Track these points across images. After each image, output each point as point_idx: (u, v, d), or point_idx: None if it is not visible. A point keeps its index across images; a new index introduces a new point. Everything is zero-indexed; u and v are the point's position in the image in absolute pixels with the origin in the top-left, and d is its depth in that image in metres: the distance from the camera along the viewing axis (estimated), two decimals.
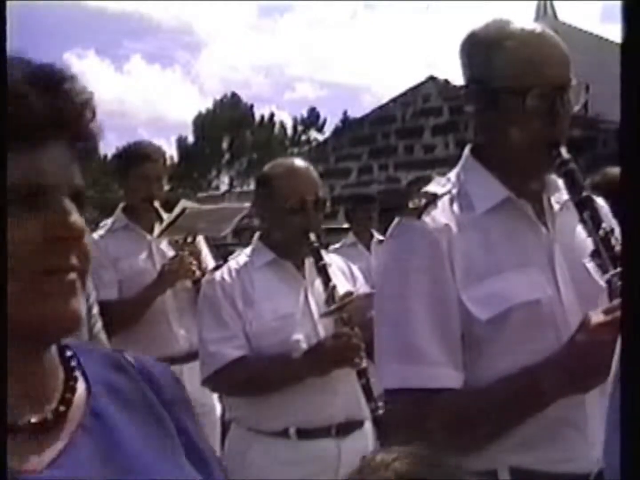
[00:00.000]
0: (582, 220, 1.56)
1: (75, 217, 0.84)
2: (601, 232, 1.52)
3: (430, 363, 1.57)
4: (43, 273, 0.82)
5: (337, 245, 5.67)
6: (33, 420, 0.85)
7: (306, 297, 2.68)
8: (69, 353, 0.95)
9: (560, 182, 1.68)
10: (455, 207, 1.65)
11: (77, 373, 0.93)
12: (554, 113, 1.59)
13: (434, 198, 1.65)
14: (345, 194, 10.02)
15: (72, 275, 0.85)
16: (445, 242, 1.58)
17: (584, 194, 1.57)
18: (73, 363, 0.94)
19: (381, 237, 5.55)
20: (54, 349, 0.92)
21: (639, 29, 0.78)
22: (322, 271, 2.68)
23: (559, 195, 1.71)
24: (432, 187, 1.71)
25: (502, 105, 1.62)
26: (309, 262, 2.69)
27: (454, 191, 1.68)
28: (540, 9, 18.60)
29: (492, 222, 1.64)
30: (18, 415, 0.83)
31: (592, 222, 1.53)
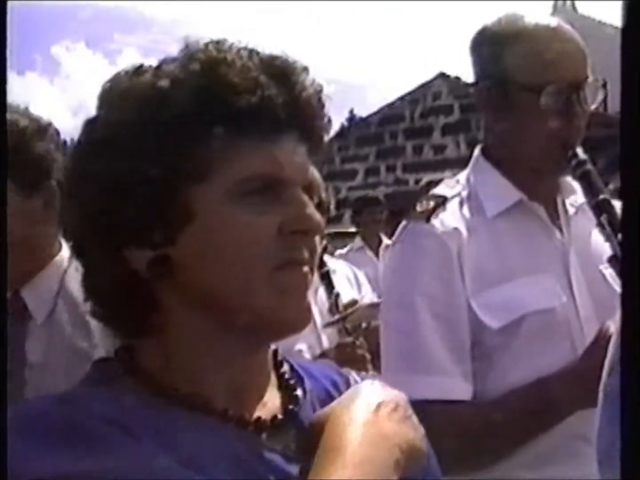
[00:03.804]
0: (600, 224, 1.55)
1: (313, 211, 0.87)
2: (619, 236, 1.52)
3: (439, 373, 1.57)
4: (279, 266, 0.85)
5: (343, 250, 5.68)
6: (263, 416, 0.89)
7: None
8: (285, 364, 0.98)
9: (576, 185, 1.69)
10: (465, 210, 1.66)
11: (294, 381, 0.97)
12: (570, 111, 1.60)
13: (442, 201, 1.66)
14: (351, 197, 10.00)
15: (306, 269, 0.88)
16: (455, 246, 1.59)
17: (601, 196, 1.56)
18: (285, 368, 0.97)
19: (390, 242, 5.57)
20: (270, 353, 0.96)
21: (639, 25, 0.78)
22: (326, 278, 2.69)
23: (574, 198, 1.72)
24: (440, 190, 1.72)
25: (515, 104, 1.63)
26: None
27: (464, 193, 1.69)
28: (558, 1, 18.60)
29: (504, 225, 1.65)
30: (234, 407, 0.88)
31: (610, 226, 1.53)
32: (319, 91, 0.91)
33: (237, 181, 0.84)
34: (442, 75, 12.56)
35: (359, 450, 0.81)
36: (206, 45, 0.88)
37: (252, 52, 0.88)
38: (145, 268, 0.86)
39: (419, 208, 1.66)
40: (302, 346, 2.57)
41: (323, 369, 1.05)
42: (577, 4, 18.75)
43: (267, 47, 0.90)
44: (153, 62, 0.90)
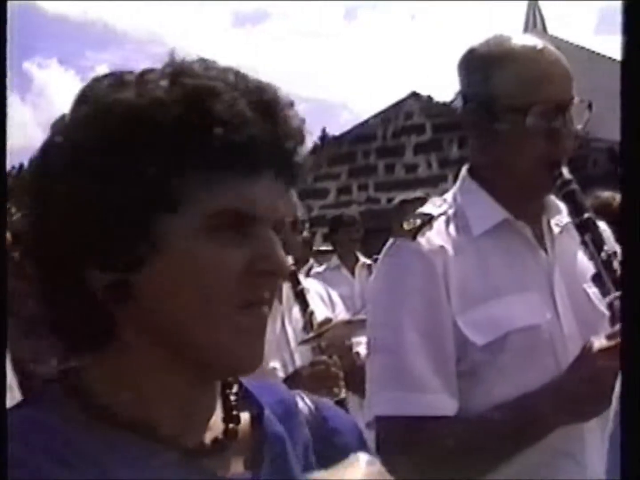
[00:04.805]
0: (584, 243, 1.59)
1: (281, 252, 0.87)
2: (603, 255, 1.55)
3: (424, 389, 1.59)
4: (242, 305, 0.85)
5: (319, 269, 5.67)
6: (205, 440, 0.89)
7: (283, 323, 2.69)
8: (234, 385, 0.98)
9: (561, 204, 1.72)
10: (452, 228, 1.68)
11: (241, 405, 0.96)
12: (556, 132, 1.62)
13: (429, 219, 1.68)
14: (323, 215, 9.99)
15: (265, 309, 0.88)
16: (441, 264, 1.61)
17: (586, 215, 1.60)
18: (233, 397, 0.96)
19: (367, 261, 5.57)
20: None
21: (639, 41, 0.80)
22: (300, 296, 2.70)
23: (559, 217, 1.75)
24: (427, 208, 1.74)
25: (502, 124, 1.65)
26: (286, 286, 2.70)
27: (450, 212, 1.71)
28: (529, 22, 18.83)
29: (490, 244, 1.67)
30: (176, 436, 0.87)
31: (594, 245, 1.56)
32: (301, 126, 0.90)
33: (209, 215, 0.83)
34: (414, 95, 12.63)
35: None
36: (192, 67, 0.86)
37: (239, 79, 0.86)
38: (102, 291, 0.85)
39: (405, 226, 1.67)
40: (275, 364, 2.58)
41: (272, 389, 1.04)
42: (547, 24, 19.02)
43: (250, 69, 0.89)
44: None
